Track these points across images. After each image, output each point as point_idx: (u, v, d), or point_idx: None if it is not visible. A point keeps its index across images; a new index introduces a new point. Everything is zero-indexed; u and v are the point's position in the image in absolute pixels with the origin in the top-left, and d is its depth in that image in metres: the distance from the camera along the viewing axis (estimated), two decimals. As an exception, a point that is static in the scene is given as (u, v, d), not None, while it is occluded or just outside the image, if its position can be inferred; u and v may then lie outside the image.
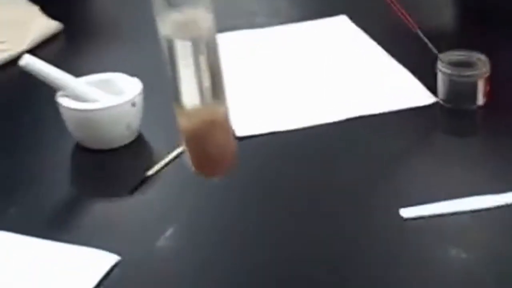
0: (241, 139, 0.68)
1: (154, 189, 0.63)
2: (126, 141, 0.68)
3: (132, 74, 0.70)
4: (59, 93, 0.67)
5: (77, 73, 0.69)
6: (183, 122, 0.48)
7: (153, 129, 0.70)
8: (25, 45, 0.86)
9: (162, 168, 0.65)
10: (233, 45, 0.87)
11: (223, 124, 0.49)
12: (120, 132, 0.67)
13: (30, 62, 0.64)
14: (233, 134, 0.53)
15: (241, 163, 0.65)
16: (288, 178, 0.65)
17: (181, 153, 0.66)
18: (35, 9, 0.96)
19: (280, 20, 0.94)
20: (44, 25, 0.91)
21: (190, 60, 0.45)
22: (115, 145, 0.67)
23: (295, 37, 0.89)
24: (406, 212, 0.58)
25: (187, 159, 0.49)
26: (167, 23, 0.45)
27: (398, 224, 0.58)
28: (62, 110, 0.67)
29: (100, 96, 0.67)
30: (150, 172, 0.64)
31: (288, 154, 0.68)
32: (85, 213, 0.62)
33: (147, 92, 0.69)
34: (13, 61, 0.84)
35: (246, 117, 0.72)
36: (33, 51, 0.87)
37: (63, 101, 0.66)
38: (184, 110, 0.47)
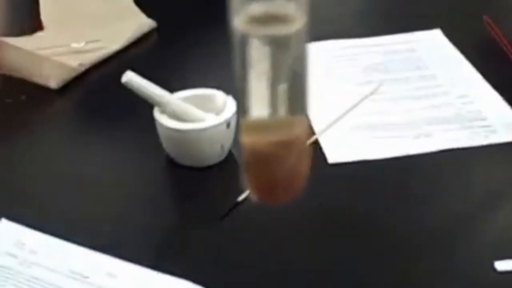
0: (332, 165, 0.68)
1: (244, 215, 0.63)
2: (219, 160, 0.68)
3: (224, 90, 0.70)
4: (156, 109, 0.67)
5: (166, 79, 0.69)
6: (248, 139, 0.40)
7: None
8: (119, 44, 0.87)
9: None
10: (317, 57, 0.85)
11: (299, 146, 0.41)
12: (214, 152, 0.67)
13: (132, 79, 0.64)
14: (308, 158, 0.44)
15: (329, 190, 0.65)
16: (365, 212, 0.63)
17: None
18: (129, 3, 0.97)
19: (370, 31, 0.91)
20: (138, 23, 0.91)
21: (267, 62, 0.38)
22: (208, 163, 0.68)
23: (385, 50, 0.87)
24: (502, 265, 0.55)
25: (246, 181, 0.42)
26: (242, 15, 0.37)
27: (492, 278, 0.55)
28: (158, 127, 0.67)
29: (196, 114, 0.67)
30: (241, 197, 0.64)
31: (368, 186, 0.66)
32: (173, 235, 0.62)
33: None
34: (106, 59, 0.86)
35: (335, 142, 0.70)
36: (125, 50, 0.88)
37: (160, 118, 0.66)
38: (251, 123, 0.39)
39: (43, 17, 0.93)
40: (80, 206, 0.64)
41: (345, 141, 0.70)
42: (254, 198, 0.44)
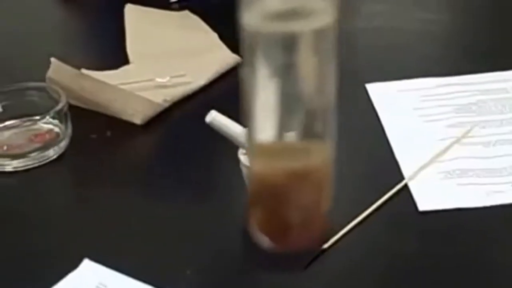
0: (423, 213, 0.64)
1: (330, 264, 0.60)
2: (302, 204, 0.66)
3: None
4: (241, 150, 0.65)
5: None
6: (254, 168, 0.33)
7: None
8: (204, 79, 0.86)
9: (339, 240, 0.62)
10: (404, 95, 0.81)
11: (317, 178, 0.33)
12: (298, 196, 0.65)
13: (217, 119, 0.63)
14: (329, 194, 0.36)
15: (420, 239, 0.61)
16: (458, 264, 0.59)
17: (360, 223, 0.63)
18: (214, 37, 0.96)
19: (461, 69, 0.86)
20: (223, 58, 0.89)
21: (282, 69, 0.29)
22: (291, 207, 0.65)
23: (477, 89, 0.81)
24: None
25: (252, 221, 0.35)
26: (255, 10, 0.29)
27: None
28: (242, 167, 0.65)
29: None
30: (326, 245, 0.61)
31: (461, 236, 0.62)
32: (255, 283, 0.60)
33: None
34: (190, 94, 0.85)
35: (426, 188, 0.66)
36: (209, 85, 0.87)
37: (245, 159, 0.64)
38: (258, 149, 0.32)
39: (129, 50, 0.94)
40: (160, 248, 0.63)
41: (436, 188, 0.66)
42: (261, 240, 0.35)
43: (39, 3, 1.14)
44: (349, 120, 0.80)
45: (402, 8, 1.07)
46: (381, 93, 0.82)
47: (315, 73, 0.31)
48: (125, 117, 0.79)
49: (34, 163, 0.74)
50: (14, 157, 0.74)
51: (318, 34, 0.30)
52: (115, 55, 0.94)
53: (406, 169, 0.68)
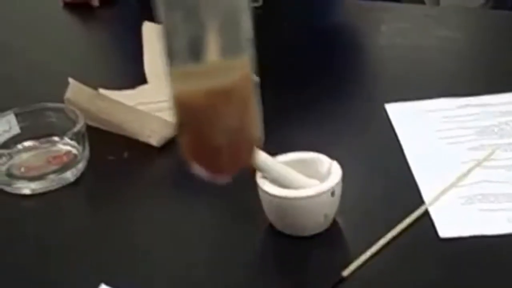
0: (444, 240, 0.63)
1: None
2: (320, 230, 0.64)
3: (328, 154, 0.67)
4: (259, 174, 0.64)
5: (267, 141, 0.66)
6: (177, 89, 0.32)
7: (349, 218, 0.66)
8: (221, 100, 0.86)
9: (360, 267, 0.60)
10: (425, 116, 0.80)
11: (238, 96, 0.32)
12: (316, 221, 0.63)
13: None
14: (255, 114, 0.34)
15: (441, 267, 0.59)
16: None
17: (380, 250, 0.61)
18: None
19: (484, 89, 0.85)
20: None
21: None
22: (309, 233, 0.64)
23: (500, 111, 0.80)
24: None
25: (182, 151, 0.33)
26: None
27: None
28: (260, 192, 0.64)
29: (299, 181, 0.64)
30: (346, 273, 0.59)
31: (484, 264, 0.60)
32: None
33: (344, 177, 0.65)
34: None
35: (446, 214, 0.64)
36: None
37: (262, 183, 0.63)
38: (179, 71, 0.32)
39: (147, 70, 0.94)
40: (179, 270, 0.62)
41: (457, 213, 0.64)
42: (193, 169, 0.33)
43: (56, 24, 1.15)
44: (367, 141, 0.79)
45: (422, 26, 1.06)
46: (400, 113, 0.81)
47: None
48: (142, 138, 0.79)
49: (52, 185, 0.74)
50: (32, 179, 0.74)
51: None
52: (132, 74, 0.93)
53: (426, 193, 0.67)
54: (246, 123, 0.33)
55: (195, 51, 0.31)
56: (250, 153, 0.33)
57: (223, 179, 0.35)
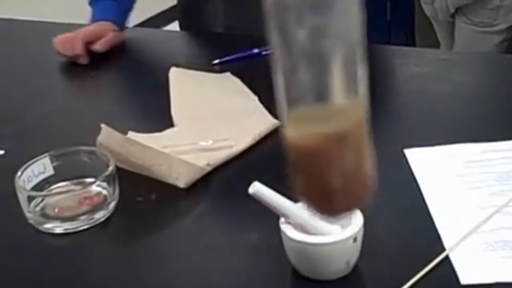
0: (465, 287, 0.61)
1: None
2: (342, 275, 0.64)
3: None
4: (281, 220, 0.64)
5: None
6: (292, 133, 0.31)
7: (370, 264, 0.65)
8: (246, 143, 0.85)
9: (380, 314, 0.59)
10: (446, 161, 0.79)
11: (353, 138, 0.31)
12: (338, 267, 0.63)
13: (259, 191, 0.62)
14: (370, 154, 0.33)
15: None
16: None
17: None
18: (255, 101, 0.96)
19: (504, 135, 0.83)
20: (264, 121, 0.89)
21: (310, 30, 0.28)
22: (331, 278, 0.63)
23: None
24: None
25: (295, 189, 0.33)
26: None
27: None
28: (283, 237, 0.64)
29: (321, 227, 0.63)
30: (367, 319, 0.59)
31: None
32: None
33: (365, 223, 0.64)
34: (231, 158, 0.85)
35: (467, 260, 0.63)
36: (251, 148, 0.86)
37: (285, 228, 0.63)
38: (295, 113, 0.30)
39: (174, 113, 0.95)
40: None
41: (478, 260, 0.64)
42: (309, 208, 0.33)
43: (88, 73, 1.16)
44: (387, 186, 0.78)
45: (440, 70, 1.06)
46: (419, 158, 0.80)
47: (346, 29, 0.29)
48: (170, 180, 0.79)
49: (83, 226, 0.74)
50: (64, 219, 0.74)
51: None
52: (160, 117, 0.94)
53: (447, 239, 0.66)
54: (361, 165, 0.32)
55: (319, 92, 0.29)
56: (364, 195, 0.32)
57: (335, 218, 0.34)
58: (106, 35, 1.19)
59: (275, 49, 0.30)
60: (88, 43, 1.17)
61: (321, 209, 0.33)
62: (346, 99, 0.29)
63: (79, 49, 1.15)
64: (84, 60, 1.17)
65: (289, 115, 0.30)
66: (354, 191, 0.32)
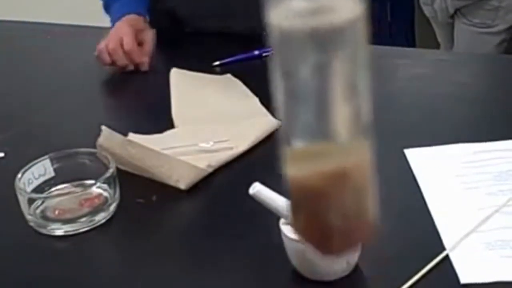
0: (465, 286, 0.61)
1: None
2: (343, 275, 0.63)
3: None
4: (282, 221, 0.64)
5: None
6: (293, 171, 0.30)
7: (371, 264, 0.65)
8: (247, 145, 0.85)
9: (380, 314, 0.59)
10: (444, 162, 0.79)
11: (356, 179, 0.30)
12: (338, 267, 0.62)
13: (260, 192, 0.62)
14: (373, 197, 0.32)
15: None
16: None
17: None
18: (255, 102, 0.95)
19: (502, 135, 0.83)
20: (265, 123, 0.88)
21: (314, 69, 0.27)
22: (331, 278, 0.63)
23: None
24: None
25: (295, 228, 0.33)
26: (283, 8, 0.28)
27: None
28: (283, 238, 0.64)
29: (322, 227, 0.63)
30: (368, 319, 0.59)
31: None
32: None
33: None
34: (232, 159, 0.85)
35: (467, 260, 0.63)
36: (251, 150, 0.86)
37: (286, 230, 0.63)
38: (296, 150, 0.30)
39: (174, 116, 0.94)
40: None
41: (478, 259, 0.63)
42: (307, 246, 0.32)
43: (88, 74, 1.16)
44: (387, 186, 0.78)
45: (439, 71, 1.06)
46: (419, 158, 0.80)
47: (351, 70, 0.28)
48: (171, 182, 0.79)
49: (84, 227, 0.74)
50: (65, 221, 0.74)
51: (347, 27, 0.28)
52: (161, 118, 0.94)
53: (447, 239, 0.66)
54: (363, 205, 0.31)
55: (321, 130, 0.29)
56: (365, 235, 0.31)
57: (335, 258, 0.34)
58: (143, 38, 1.12)
59: (278, 83, 0.29)
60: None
61: (319, 248, 0.33)
62: (349, 138, 0.29)
63: (139, 56, 1.10)
64: (146, 66, 1.11)
65: (290, 151, 0.30)
66: (354, 231, 0.32)
